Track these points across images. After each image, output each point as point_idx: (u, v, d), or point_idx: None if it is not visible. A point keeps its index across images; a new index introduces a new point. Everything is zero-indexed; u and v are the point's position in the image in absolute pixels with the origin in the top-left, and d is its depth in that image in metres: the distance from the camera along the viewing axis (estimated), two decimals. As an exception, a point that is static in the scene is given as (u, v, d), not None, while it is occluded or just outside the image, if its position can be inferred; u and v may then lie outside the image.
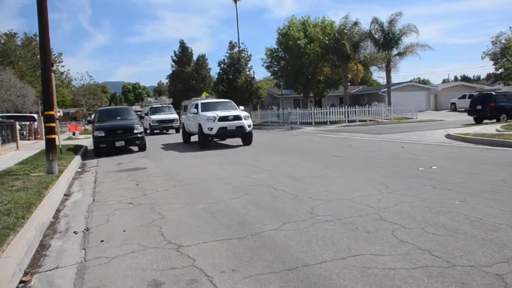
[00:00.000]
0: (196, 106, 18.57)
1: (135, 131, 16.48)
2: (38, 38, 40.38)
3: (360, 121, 32.85)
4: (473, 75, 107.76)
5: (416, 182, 7.74)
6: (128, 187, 8.88)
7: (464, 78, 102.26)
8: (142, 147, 16.92)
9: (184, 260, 4.25)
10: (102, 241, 5.12)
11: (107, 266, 4.27)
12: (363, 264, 3.86)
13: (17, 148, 19.95)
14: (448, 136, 17.19)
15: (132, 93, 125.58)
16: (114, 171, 11.65)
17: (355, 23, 37.38)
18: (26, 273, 4.27)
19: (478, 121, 26.50)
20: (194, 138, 19.31)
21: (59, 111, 72.86)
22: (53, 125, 10.89)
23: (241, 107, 19.00)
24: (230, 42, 49.69)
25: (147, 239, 5.06)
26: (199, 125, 16.89)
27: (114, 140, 16.00)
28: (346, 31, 37.14)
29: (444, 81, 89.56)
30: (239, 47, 49.01)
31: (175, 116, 31.80)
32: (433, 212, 5.53)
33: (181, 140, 21.04)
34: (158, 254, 4.52)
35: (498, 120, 25.19)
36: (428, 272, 3.62)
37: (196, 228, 5.39)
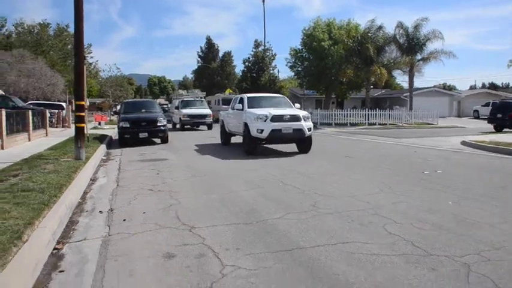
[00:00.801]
0: (241, 101, 15.39)
1: (159, 124, 17.22)
2: (69, 29, 41.25)
3: (380, 124, 33.02)
4: (502, 83, 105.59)
5: (419, 184, 8.19)
6: (149, 175, 9.55)
7: (492, 86, 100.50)
8: (164, 140, 17.61)
9: (195, 239, 4.86)
10: (124, 220, 5.76)
11: (128, 240, 4.90)
12: (350, 250, 4.39)
13: (46, 135, 20.92)
14: (464, 143, 17.36)
15: (157, 87, 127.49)
16: (137, 160, 12.35)
17: (380, 27, 37.46)
18: (58, 243, 4.92)
19: (498, 129, 26.42)
20: (235, 140, 16.76)
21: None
22: (83, 114, 11.60)
23: (297, 105, 15.72)
24: (255, 41, 50.36)
25: (164, 220, 5.69)
26: (246, 125, 13.80)
27: (138, 131, 16.76)
28: (370, 34, 37.29)
29: (471, 88, 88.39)
30: (264, 46, 49.62)
31: (208, 111, 28.96)
32: (425, 210, 6.01)
33: (216, 140, 18.38)
34: (173, 232, 5.13)
35: (518, 130, 25.11)
36: (406, 258, 4.13)
37: (208, 214, 5.99)
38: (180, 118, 28.22)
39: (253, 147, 13.59)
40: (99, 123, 29.92)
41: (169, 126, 27.87)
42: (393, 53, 38.88)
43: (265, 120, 13.14)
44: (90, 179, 9.25)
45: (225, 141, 17.09)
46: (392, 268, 3.89)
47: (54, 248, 4.70)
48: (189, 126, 28.51)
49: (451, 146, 16.41)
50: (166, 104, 66.36)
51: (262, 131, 13.05)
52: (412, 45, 37.01)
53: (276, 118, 13.20)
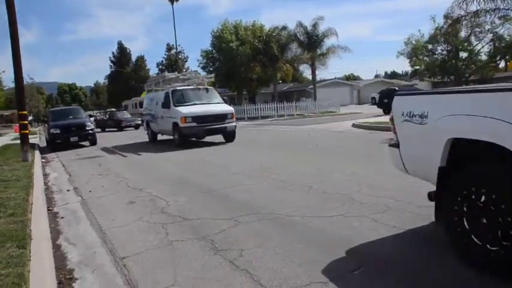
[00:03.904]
0: None
1: (87, 128, 19.02)
2: None
3: (288, 115, 36.49)
4: (402, 71, 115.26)
5: (298, 153, 11.17)
6: (94, 167, 11.69)
7: (393, 74, 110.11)
8: (93, 142, 19.34)
9: (146, 193, 7.34)
10: (90, 191, 8.05)
11: (99, 200, 7.25)
12: (245, 188, 7.11)
13: (-29, 147, 21.67)
14: (353, 125, 20.95)
15: (69, 94, 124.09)
16: (76, 159, 14.27)
17: (284, 27, 41.12)
18: (48, 207, 7.12)
19: (387, 112, 30.80)
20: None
21: (-6, 114, 70.38)
22: (26, 122, 13.36)
23: None
24: (167, 45, 52.34)
25: (119, 188, 8.09)
26: None
27: (69, 136, 18.40)
28: (274, 34, 40.83)
29: (376, 77, 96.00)
30: (176, 49, 51.69)
31: (226, 107, 16.82)
32: (297, 166, 8.92)
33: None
34: (128, 193, 7.57)
35: (401, 112, 29.52)
36: (278, 187, 6.92)
37: (151, 183, 8.45)
38: (175, 124, 15.52)
39: None
40: (20, 134, 30.44)
41: (144, 137, 19.97)
42: (297, 50, 42.71)
43: None
44: (43, 174, 11.19)
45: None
46: (268, 192, 6.67)
47: (48, 210, 6.91)
48: (193, 138, 16.25)
49: (343, 128, 19.84)
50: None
51: None
52: (312, 42, 40.97)
53: None
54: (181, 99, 16.16)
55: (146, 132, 20.12)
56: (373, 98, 52.82)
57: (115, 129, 33.40)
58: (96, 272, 4.01)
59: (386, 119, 23.01)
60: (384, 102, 31.25)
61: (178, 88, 17.29)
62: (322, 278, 3.41)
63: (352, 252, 3.93)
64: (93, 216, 6.13)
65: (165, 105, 16.40)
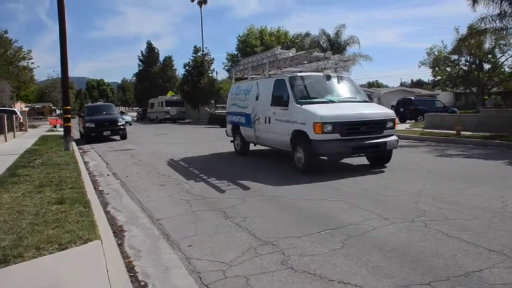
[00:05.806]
0: None
1: (119, 123, 20.83)
2: (6, 35, 41.67)
3: (307, 120, 37.84)
4: (428, 79, 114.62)
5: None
6: (127, 158, 13.39)
7: (419, 83, 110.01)
8: (124, 136, 21.13)
9: (173, 179, 8.95)
10: (127, 176, 9.69)
11: (135, 182, 8.88)
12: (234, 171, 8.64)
13: (14, 137, 23.70)
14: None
15: (97, 90, 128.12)
16: (110, 151, 16.01)
17: (307, 34, 42.61)
18: (93, 187, 8.75)
19: (402, 121, 31.92)
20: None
21: (27, 107, 73.86)
22: (69, 116, 15.14)
23: None
24: (195, 47, 53.93)
25: (151, 175, 9.74)
26: None
27: (103, 130, 20.25)
28: (297, 41, 42.32)
29: (401, 85, 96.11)
30: (203, 51, 53.33)
31: (385, 110, 10.05)
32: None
33: None
34: (159, 178, 9.20)
35: (416, 120, 30.69)
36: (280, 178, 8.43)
37: (177, 171, 10.07)
38: (299, 133, 9.38)
39: None
40: (55, 126, 32.65)
41: (227, 148, 14.35)
42: (320, 57, 44.07)
43: None
44: (84, 162, 12.89)
45: None
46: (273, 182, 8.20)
47: (94, 188, 8.54)
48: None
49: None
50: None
51: None
52: (334, 50, 42.29)
53: None
54: (304, 92, 10.20)
55: (231, 140, 13.77)
56: (392, 106, 53.84)
57: None
58: (139, 227, 5.59)
59: (399, 127, 24.34)
60: (400, 111, 32.42)
61: (299, 75, 10.85)
62: (297, 233, 4.92)
63: (322, 221, 5.41)
64: (132, 193, 7.75)
65: (278, 101, 10.42)
